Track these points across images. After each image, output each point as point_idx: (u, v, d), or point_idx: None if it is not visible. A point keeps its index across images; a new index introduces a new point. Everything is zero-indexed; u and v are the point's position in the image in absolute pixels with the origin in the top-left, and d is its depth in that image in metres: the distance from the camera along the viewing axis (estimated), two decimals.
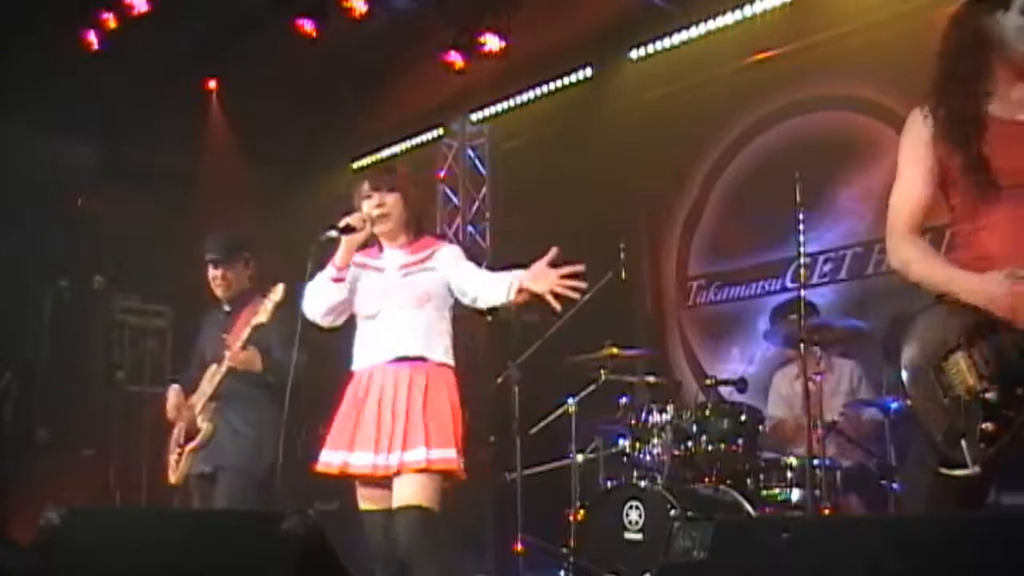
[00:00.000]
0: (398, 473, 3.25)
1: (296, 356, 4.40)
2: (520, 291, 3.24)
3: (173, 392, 4.59)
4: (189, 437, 4.42)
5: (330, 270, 3.48)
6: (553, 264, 3.17)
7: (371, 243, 3.57)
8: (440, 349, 3.43)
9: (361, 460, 3.30)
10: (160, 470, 4.64)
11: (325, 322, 3.56)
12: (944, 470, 2.35)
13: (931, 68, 2.57)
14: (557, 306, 3.18)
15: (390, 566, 3.35)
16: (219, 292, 4.60)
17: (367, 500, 3.40)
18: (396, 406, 3.30)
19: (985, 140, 2.45)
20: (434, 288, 3.45)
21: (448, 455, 3.26)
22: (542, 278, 3.18)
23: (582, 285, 3.16)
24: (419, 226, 3.58)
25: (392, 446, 3.26)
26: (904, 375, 2.46)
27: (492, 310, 3.52)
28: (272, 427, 4.44)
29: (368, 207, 3.47)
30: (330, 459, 3.37)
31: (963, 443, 2.32)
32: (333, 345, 3.76)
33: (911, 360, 2.47)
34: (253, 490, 4.29)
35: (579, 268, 3.17)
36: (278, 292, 4.34)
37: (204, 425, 4.38)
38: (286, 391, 4.43)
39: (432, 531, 3.23)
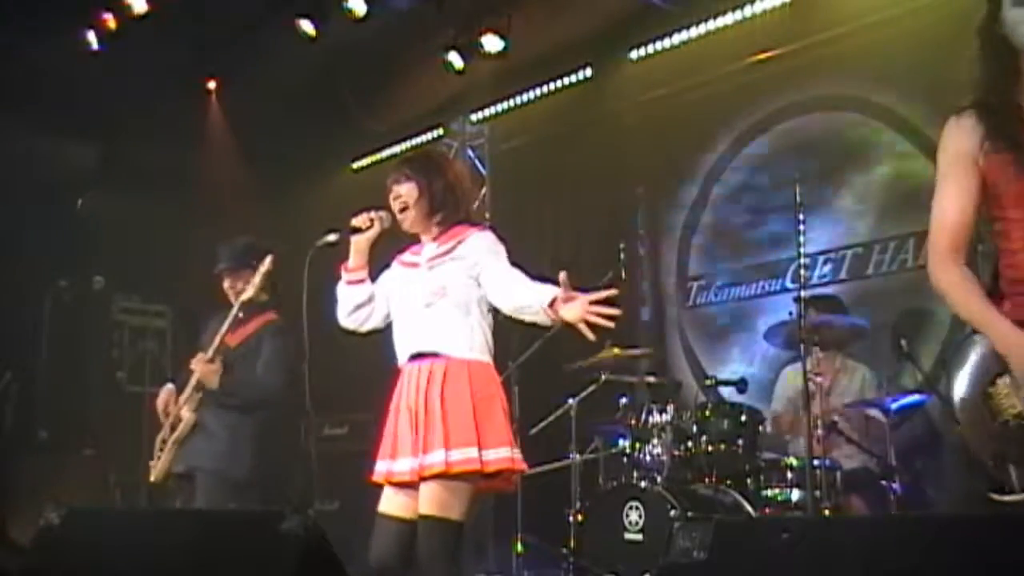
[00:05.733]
0: (422, 478, 3.09)
1: (274, 378, 4.37)
2: (552, 314, 3.06)
3: (165, 391, 4.54)
4: (174, 429, 4.38)
5: (344, 274, 3.42)
6: (575, 287, 3.00)
7: (414, 239, 3.43)
8: (462, 344, 3.19)
9: (402, 467, 3.16)
10: None
11: (351, 325, 3.47)
12: (995, 496, 2.34)
13: (968, 74, 2.49)
14: (591, 336, 3.04)
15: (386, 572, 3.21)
16: (235, 301, 4.51)
17: (387, 503, 3.23)
18: (416, 407, 3.16)
19: None
20: (452, 280, 3.21)
21: (468, 455, 3.06)
22: (574, 306, 3.00)
23: (615, 312, 2.99)
24: (448, 214, 3.33)
25: (416, 449, 3.12)
26: (955, 402, 2.44)
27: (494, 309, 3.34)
28: (248, 429, 4.42)
29: (391, 201, 3.36)
30: (378, 468, 3.23)
31: (1011, 468, 2.31)
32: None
33: (961, 387, 2.44)
34: (229, 494, 4.24)
35: (611, 292, 3.02)
36: (266, 262, 4.27)
37: (186, 415, 4.35)
38: (252, 410, 4.40)
39: (443, 543, 3.05)
